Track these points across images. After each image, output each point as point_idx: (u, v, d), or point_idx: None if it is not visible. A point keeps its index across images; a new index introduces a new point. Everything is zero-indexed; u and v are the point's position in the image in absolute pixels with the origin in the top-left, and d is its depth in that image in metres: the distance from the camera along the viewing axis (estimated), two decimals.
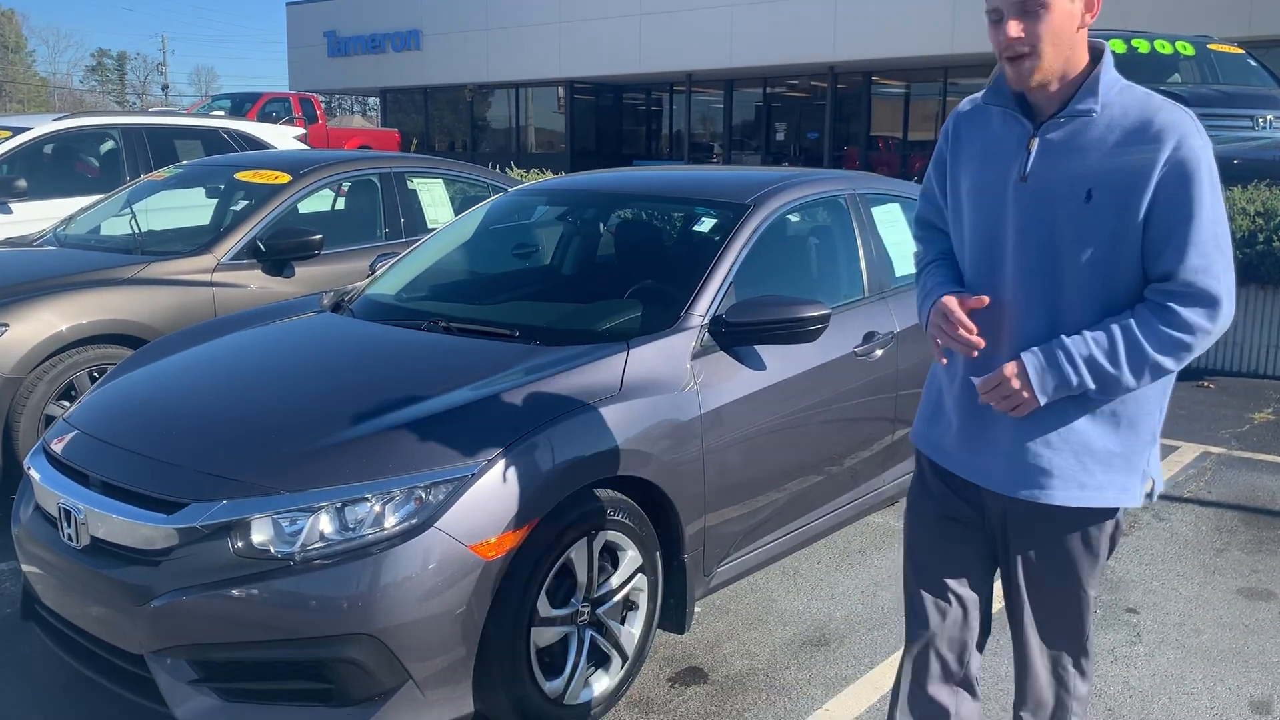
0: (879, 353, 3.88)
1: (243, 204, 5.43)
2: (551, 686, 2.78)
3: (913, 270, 4.35)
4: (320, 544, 2.49)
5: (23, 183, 6.90)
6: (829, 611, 3.65)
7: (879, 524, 4.45)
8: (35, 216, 6.74)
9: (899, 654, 3.34)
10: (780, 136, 26.93)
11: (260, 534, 2.50)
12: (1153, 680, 3.21)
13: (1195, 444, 5.66)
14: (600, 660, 2.96)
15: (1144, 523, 4.49)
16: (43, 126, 7.27)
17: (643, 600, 3.03)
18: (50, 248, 5.38)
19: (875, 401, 3.90)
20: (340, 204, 6.01)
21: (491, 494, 2.59)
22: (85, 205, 5.99)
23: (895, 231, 4.32)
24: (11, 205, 6.92)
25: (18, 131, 7.19)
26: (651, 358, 3.13)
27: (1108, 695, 3.12)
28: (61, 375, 4.39)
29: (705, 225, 3.79)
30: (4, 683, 3.11)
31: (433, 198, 6.06)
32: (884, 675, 3.21)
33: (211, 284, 4.92)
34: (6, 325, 4.27)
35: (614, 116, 30.11)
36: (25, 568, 2.93)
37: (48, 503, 2.85)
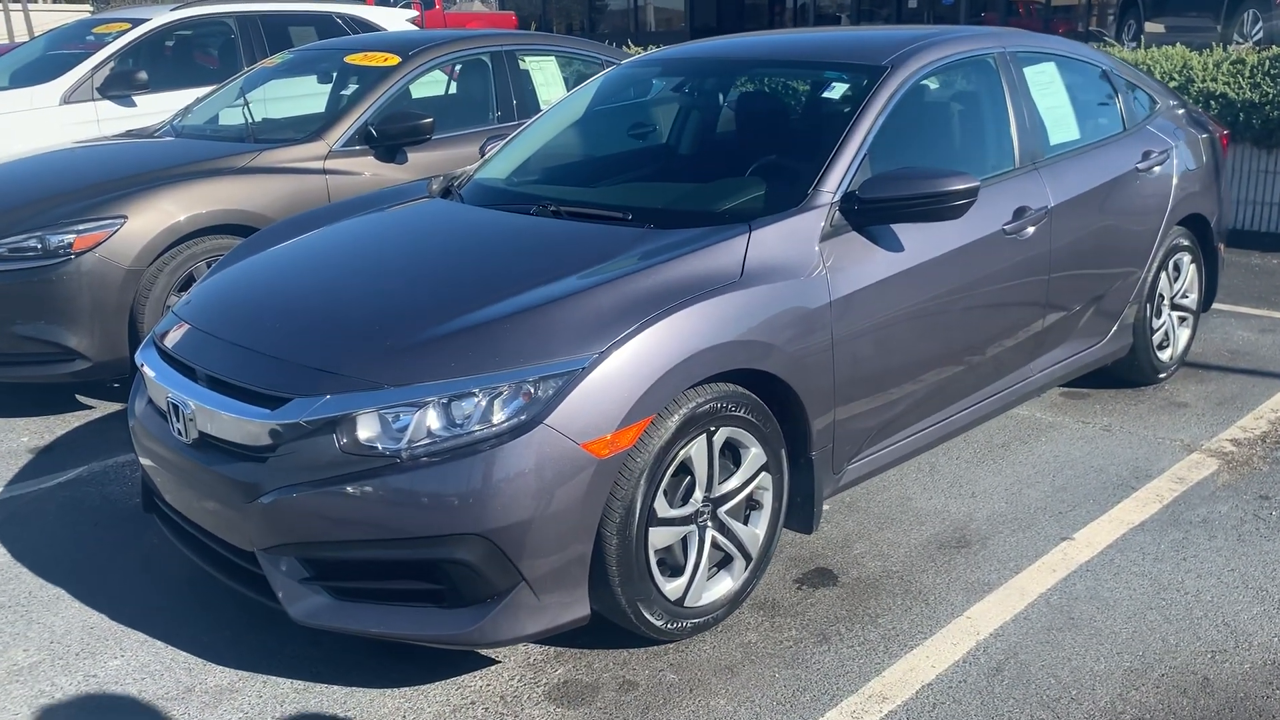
0: (1030, 230, 3.52)
1: (353, 88, 5.29)
2: (671, 588, 2.64)
3: (1070, 137, 3.94)
4: (427, 440, 2.36)
5: (143, 75, 6.90)
6: (970, 511, 3.40)
7: (1024, 416, 4.14)
8: (159, 109, 6.76)
9: (1048, 557, 3.11)
10: (913, 4, 25.34)
11: (366, 430, 2.39)
12: None
13: None
14: (723, 561, 2.80)
15: None
16: (160, 17, 7.25)
17: (767, 500, 2.84)
18: (168, 138, 5.36)
19: (1025, 285, 3.56)
20: (453, 88, 5.82)
21: (603, 389, 2.41)
22: (201, 95, 5.95)
23: (1050, 94, 3.88)
24: (135, 98, 6.96)
25: (137, 23, 7.18)
26: (776, 240, 2.86)
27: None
28: (181, 267, 4.38)
29: (836, 91, 3.45)
30: (130, 573, 3.15)
31: (545, 76, 5.80)
32: (1031, 581, 2.97)
33: (325, 171, 4.82)
34: (125, 217, 4.27)
35: None
36: (142, 461, 2.92)
37: (158, 397, 2.81)
